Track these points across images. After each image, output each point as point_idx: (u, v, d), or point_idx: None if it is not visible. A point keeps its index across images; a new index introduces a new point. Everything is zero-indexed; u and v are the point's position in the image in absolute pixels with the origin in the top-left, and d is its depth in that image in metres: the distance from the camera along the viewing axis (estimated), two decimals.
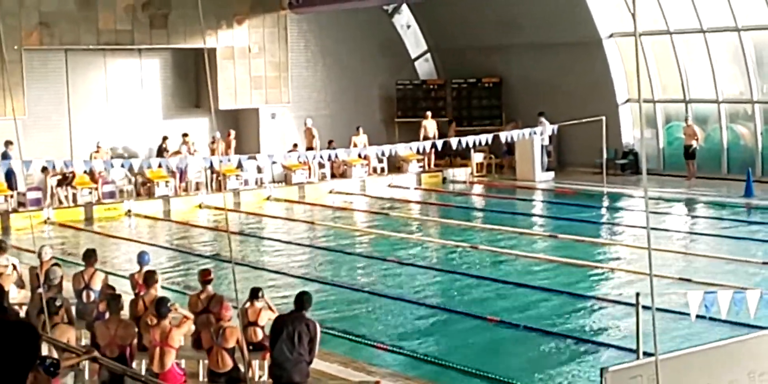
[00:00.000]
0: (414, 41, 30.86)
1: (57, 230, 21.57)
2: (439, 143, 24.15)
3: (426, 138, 27.38)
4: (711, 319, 8.68)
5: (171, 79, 27.16)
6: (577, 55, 27.22)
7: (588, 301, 14.40)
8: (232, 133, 26.39)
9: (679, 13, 25.00)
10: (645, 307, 8.00)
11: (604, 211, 22.70)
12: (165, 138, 25.64)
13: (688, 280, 14.66)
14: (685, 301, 8.62)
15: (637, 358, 7.83)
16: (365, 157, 26.18)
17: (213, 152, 25.29)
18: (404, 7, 30.29)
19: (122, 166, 21.79)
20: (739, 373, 5.74)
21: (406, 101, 29.91)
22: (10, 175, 22.25)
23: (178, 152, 24.96)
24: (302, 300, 9.48)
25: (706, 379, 5.63)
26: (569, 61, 27.45)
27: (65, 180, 23.29)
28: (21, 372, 2.97)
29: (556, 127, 25.71)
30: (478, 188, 26.87)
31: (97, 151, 24.24)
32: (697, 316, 8.20)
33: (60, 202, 22.97)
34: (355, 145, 26.46)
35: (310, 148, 26.70)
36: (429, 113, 28.50)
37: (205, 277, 11.17)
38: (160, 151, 25.46)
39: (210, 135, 27.14)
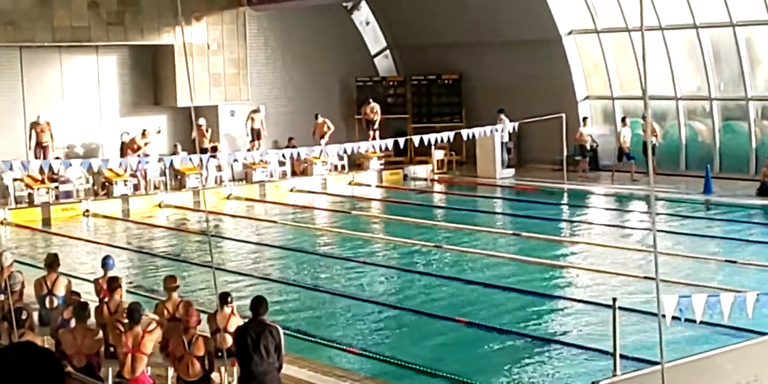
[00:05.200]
0: (373, 38, 30.76)
1: (14, 231, 21.22)
2: (401, 141, 24.04)
3: (370, 121, 27.80)
4: (686, 320, 8.70)
5: (128, 76, 26.80)
6: (537, 52, 27.27)
7: (554, 301, 14.43)
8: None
9: (638, 11, 25.09)
10: (621, 309, 8.03)
11: (565, 208, 22.79)
12: (124, 134, 25.36)
13: (652, 279, 14.68)
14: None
15: (614, 361, 7.84)
16: (324, 147, 25.67)
17: (195, 141, 24.95)
18: (363, 3, 30.20)
19: (81, 165, 21.47)
20: (729, 382, 5.74)
21: (365, 98, 29.79)
22: None
23: (137, 149, 24.66)
24: (258, 305, 9.30)
25: None
26: (529, 58, 27.51)
27: None
28: None
29: (516, 124, 25.75)
30: (439, 186, 26.90)
31: (37, 124, 23.83)
32: (673, 317, 8.22)
33: None
34: (317, 130, 27.24)
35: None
36: (371, 99, 28.45)
37: (170, 284, 11.00)
38: (124, 149, 25.10)
39: (172, 131, 26.97)
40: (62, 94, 25.70)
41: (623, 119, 25.89)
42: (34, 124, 24.08)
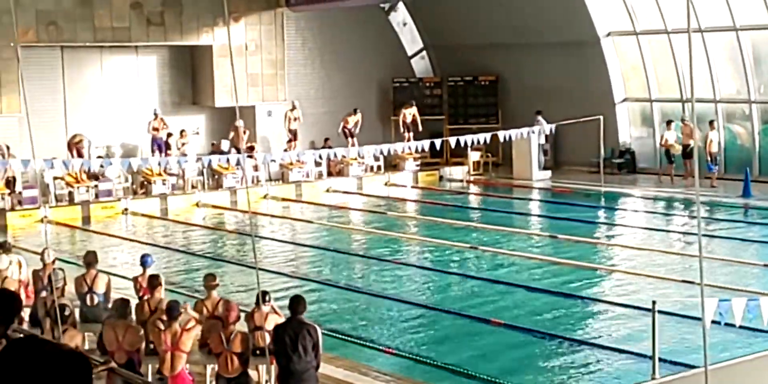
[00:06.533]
0: (410, 38, 30.80)
1: (55, 229, 21.46)
2: (437, 142, 24.05)
3: (404, 124, 27.74)
4: (726, 324, 8.65)
5: (168, 76, 27.04)
6: (575, 54, 27.18)
7: (591, 304, 14.38)
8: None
9: (677, 13, 24.97)
10: (660, 312, 8.02)
11: (602, 210, 22.69)
12: (170, 134, 25.60)
13: (691, 282, 14.63)
14: (697, 305, 8.60)
15: (653, 364, 7.83)
16: (360, 148, 25.69)
17: (234, 140, 25.39)
18: (400, 4, 30.24)
19: (121, 164, 21.71)
20: None
21: (402, 99, 29.80)
22: None
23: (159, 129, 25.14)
24: (296, 304, 9.36)
25: None
26: (567, 59, 27.42)
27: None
28: None
29: (553, 126, 25.67)
30: (475, 187, 26.87)
31: (77, 142, 23.84)
32: (712, 322, 8.18)
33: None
34: (347, 123, 27.00)
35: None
36: (413, 101, 28.42)
37: (210, 282, 11.09)
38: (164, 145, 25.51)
39: (209, 131, 27.18)
40: (102, 94, 25.96)
41: (711, 122, 24.27)
42: (78, 142, 23.99)
